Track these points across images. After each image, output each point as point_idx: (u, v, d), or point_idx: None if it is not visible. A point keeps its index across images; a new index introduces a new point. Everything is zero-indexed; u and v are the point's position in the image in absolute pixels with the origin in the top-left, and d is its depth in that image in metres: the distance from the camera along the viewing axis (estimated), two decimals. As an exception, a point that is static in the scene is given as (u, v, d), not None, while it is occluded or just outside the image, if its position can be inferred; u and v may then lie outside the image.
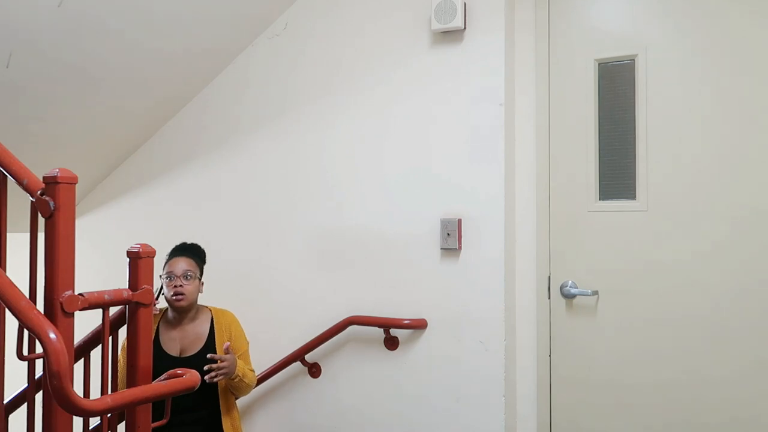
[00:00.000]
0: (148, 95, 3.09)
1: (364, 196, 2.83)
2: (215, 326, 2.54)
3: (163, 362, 2.33)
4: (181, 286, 2.45)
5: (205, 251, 2.63)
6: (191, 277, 2.48)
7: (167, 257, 2.55)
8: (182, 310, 2.49)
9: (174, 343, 2.49)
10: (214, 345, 2.50)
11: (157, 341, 2.47)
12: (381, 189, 2.79)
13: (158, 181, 3.35)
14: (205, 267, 2.60)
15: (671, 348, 2.39)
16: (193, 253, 2.57)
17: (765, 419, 2.24)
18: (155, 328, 2.50)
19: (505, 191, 2.57)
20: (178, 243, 2.62)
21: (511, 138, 2.62)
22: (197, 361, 2.36)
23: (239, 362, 2.44)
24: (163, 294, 2.50)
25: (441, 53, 2.67)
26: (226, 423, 2.50)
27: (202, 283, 2.56)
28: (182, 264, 2.49)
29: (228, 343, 2.39)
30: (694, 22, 2.38)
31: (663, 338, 2.40)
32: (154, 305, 2.35)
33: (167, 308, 2.54)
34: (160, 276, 2.48)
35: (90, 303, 1.69)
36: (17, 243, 2.22)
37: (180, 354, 2.47)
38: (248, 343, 2.62)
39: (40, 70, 2.62)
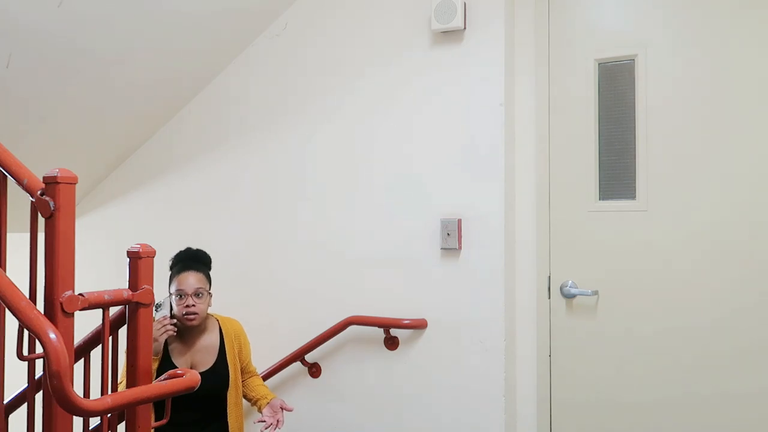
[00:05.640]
0: (148, 95, 3.09)
1: (364, 196, 2.82)
2: (224, 337, 2.51)
3: None
4: (193, 305, 2.37)
5: (210, 256, 2.56)
6: (202, 294, 2.41)
7: (174, 269, 2.45)
8: (193, 327, 2.45)
9: (184, 356, 2.44)
10: (226, 358, 2.48)
11: (166, 353, 2.42)
12: (382, 188, 2.79)
13: (158, 182, 3.35)
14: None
15: (671, 348, 2.39)
16: (201, 263, 2.49)
17: (766, 416, 2.24)
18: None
19: (505, 191, 2.57)
20: (182, 249, 2.52)
21: (511, 138, 2.62)
22: (210, 376, 2.36)
23: (267, 391, 2.58)
24: (172, 311, 2.40)
25: (441, 53, 2.67)
26: None
27: (211, 295, 2.49)
28: (192, 280, 2.40)
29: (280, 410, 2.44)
30: (694, 22, 2.38)
31: (663, 338, 2.40)
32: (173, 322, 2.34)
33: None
34: (171, 294, 2.40)
35: (90, 303, 1.68)
36: (17, 243, 2.22)
37: (191, 368, 2.41)
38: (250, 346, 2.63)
39: (40, 70, 2.62)
